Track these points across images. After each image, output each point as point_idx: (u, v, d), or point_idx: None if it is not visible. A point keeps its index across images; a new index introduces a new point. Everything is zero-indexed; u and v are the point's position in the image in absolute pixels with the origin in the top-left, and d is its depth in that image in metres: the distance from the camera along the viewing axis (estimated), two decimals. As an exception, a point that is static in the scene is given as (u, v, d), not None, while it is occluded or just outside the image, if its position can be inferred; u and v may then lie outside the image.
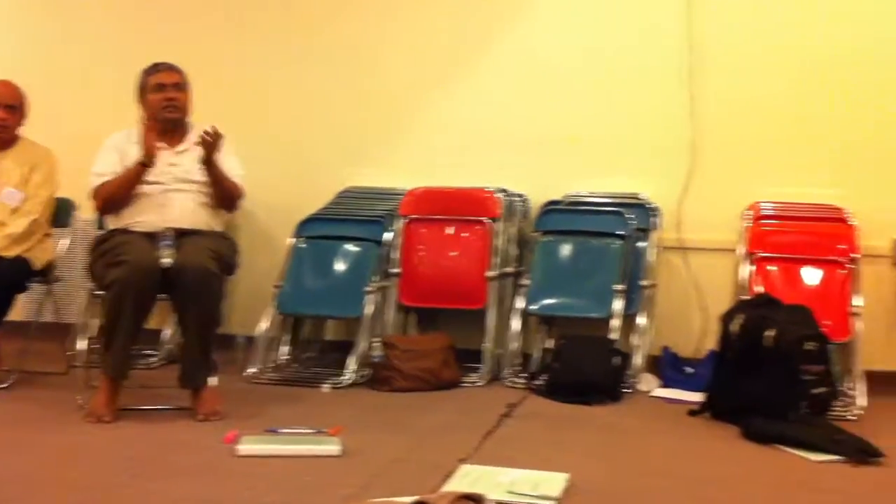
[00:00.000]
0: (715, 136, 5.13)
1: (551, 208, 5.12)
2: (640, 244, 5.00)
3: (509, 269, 5.04)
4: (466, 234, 5.03)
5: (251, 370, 4.66)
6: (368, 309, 4.73)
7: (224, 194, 4.15)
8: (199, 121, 4.20)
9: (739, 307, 4.21)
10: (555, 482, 2.89)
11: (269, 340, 4.82)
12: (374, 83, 5.54)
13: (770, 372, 3.91)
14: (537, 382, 4.52)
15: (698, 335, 5.03)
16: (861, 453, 3.42)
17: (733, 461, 3.44)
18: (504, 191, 5.16)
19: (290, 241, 5.04)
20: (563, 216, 5.08)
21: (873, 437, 3.66)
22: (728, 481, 3.17)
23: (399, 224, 5.06)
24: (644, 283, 4.91)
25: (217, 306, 3.88)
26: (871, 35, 5.03)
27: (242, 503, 2.80)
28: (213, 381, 3.92)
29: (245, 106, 5.49)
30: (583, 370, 4.40)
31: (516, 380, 4.68)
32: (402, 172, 5.41)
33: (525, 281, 4.90)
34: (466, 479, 2.90)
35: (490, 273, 4.87)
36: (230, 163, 4.18)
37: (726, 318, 4.14)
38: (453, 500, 1.94)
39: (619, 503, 2.83)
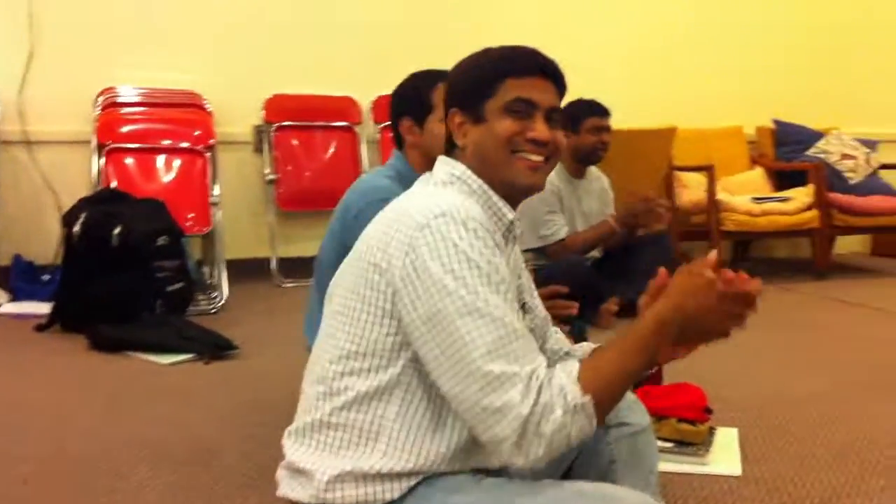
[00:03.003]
0: (59, 12, 4.53)
1: None
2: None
3: None
4: None
5: None
6: None
7: None
8: None
9: (81, 205, 3.78)
10: None
11: None
12: None
13: (120, 272, 3.59)
14: None
15: (57, 239, 4.49)
16: (214, 348, 3.28)
17: (70, 377, 3.06)
18: None
19: None
20: None
21: (233, 327, 3.59)
22: (57, 399, 2.79)
23: None
24: (-21, 183, 4.22)
25: None
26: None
27: None
28: None
29: None
30: None
31: None
32: None
33: None
34: None
35: None
36: None
37: (67, 218, 3.70)
38: None
39: None
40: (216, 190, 4.50)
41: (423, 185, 1.49)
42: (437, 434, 1.38)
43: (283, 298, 4.47)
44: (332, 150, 5.05)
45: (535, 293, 1.63)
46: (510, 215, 1.45)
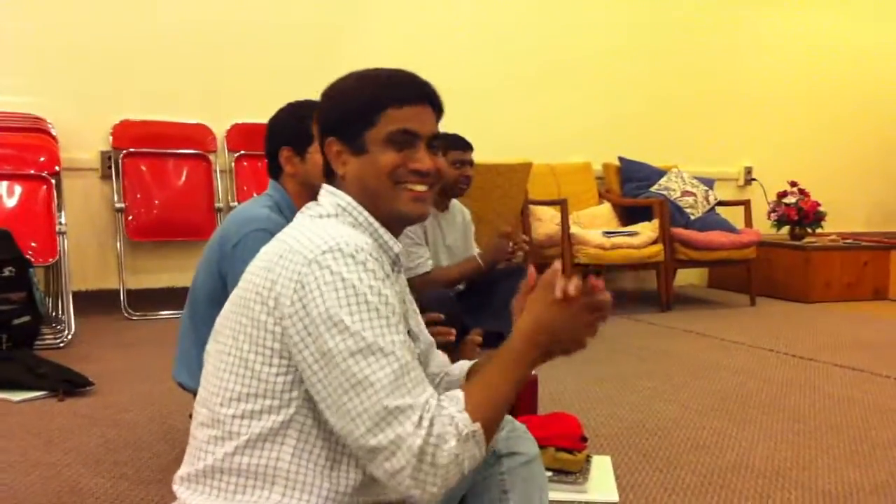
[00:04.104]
0: None
1: None
2: None
3: None
4: None
5: None
6: None
7: None
8: None
9: (-83, 232, 3.52)
10: None
11: None
12: None
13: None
14: None
15: None
16: (67, 384, 3.10)
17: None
18: None
19: None
20: None
21: (83, 362, 3.41)
22: None
23: None
24: None
25: None
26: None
27: None
28: None
29: None
30: None
31: None
32: None
33: None
34: None
35: None
36: None
37: None
38: None
39: None
40: (62, 218, 4.28)
41: (307, 216, 1.44)
42: (334, 472, 1.35)
43: (133, 331, 4.29)
44: (184, 178, 4.90)
45: (420, 318, 1.64)
46: (396, 248, 1.44)
